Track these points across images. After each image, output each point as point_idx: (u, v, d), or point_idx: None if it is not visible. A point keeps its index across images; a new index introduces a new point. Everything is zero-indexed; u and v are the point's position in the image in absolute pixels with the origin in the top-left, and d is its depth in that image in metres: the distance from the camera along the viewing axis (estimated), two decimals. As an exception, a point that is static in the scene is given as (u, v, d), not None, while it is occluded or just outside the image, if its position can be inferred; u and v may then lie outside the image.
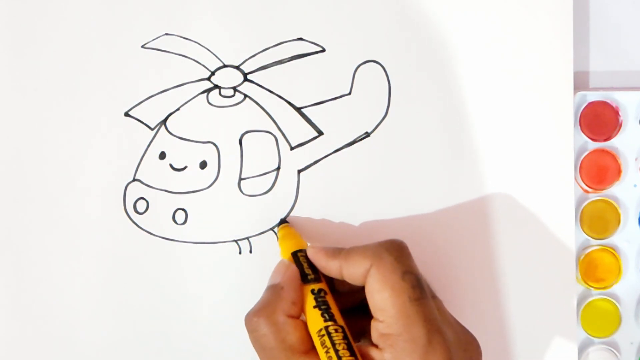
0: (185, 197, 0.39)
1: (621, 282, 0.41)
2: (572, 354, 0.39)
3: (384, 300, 0.30)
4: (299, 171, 0.39)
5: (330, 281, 0.35)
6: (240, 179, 0.39)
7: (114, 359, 0.39)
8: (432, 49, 0.39)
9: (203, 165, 0.39)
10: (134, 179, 0.39)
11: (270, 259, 0.39)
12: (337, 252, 0.33)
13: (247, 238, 0.39)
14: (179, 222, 0.39)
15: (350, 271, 0.32)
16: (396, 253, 0.32)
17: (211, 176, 0.39)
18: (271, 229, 0.39)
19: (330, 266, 0.33)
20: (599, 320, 0.40)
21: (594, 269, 0.40)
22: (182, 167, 0.39)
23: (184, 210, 0.39)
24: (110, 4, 0.39)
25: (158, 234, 0.39)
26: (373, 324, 0.31)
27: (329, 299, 0.33)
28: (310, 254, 0.34)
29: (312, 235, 0.39)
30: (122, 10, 0.39)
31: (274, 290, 0.33)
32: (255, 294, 0.38)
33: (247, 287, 0.39)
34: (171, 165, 0.39)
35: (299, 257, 0.35)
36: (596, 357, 0.40)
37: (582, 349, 0.41)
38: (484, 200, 0.39)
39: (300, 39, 0.39)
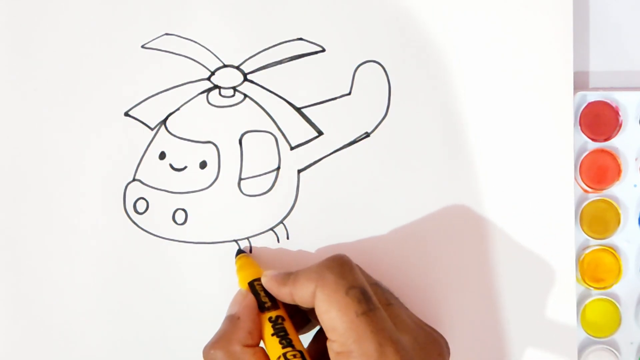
0: (185, 197, 0.39)
1: (621, 282, 0.41)
2: (572, 354, 0.39)
3: (332, 319, 0.30)
4: (299, 171, 0.39)
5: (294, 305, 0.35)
6: (240, 179, 0.39)
7: (114, 359, 0.39)
8: (432, 49, 0.39)
9: (203, 165, 0.39)
10: (134, 179, 0.39)
11: (270, 259, 0.39)
12: (286, 277, 0.33)
13: (247, 238, 0.39)
14: (178, 222, 0.39)
15: (299, 295, 0.32)
16: (338, 269, 0.31)
17: (211, 176, 0.39)
18: (271, 229, 0.39)
19: (282, 293, 0.33)
20: (599, 320, 0.40)
21: (594, 269, 0.40)
22: (182, 167, 0.39)
23: (183, 210, 0.39)
24: (110, 4, 0.39)
25: (158, 234, 0.39)
26: (328, 344, 0.31)
27: (287, 325, 0.33)
28: (264, 282, 0.34)
29: (310, 241, 0.39)
30: (122, 10, 0.39)
31: (230, 321, 0.33)
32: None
33: (247, 287, 0.39)
34: (171, 165, 0.39)
35: (255, 287, 0.35)
36: (596, 357, 0.40)
37: (582, 349, 0.41)
38: (484, 199, 0.39)
39: (300, 39, 0.39)
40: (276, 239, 0.39)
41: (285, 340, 0.32)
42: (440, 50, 0.39)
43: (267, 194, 0.39)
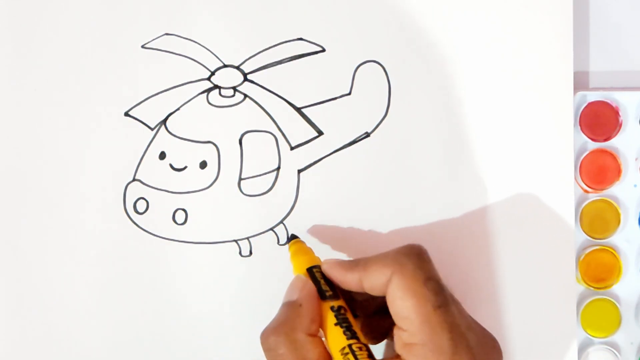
0: (185, 197, 0.39)
1: (621, 282, 0.41)
2: (572, 354, 0.39)
3: (407, 309, 0.30)
4: (299, 171, 0.39)
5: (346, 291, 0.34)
6: (240, 179, 0.39)
7: (114, 359, 0.39)
8: (432, 49, 0.39)
9: (203, 165, 0.39)
10: (134, 179, 0.39)
11: (270, 259, 0.39)
12: (354, 263, 0.32)
13: (247, 238, 0.39)
14: (179, 222, 0.39)
15: (371, 282, 0.31)
16: (416, 259, 0.31)
17: (211, 176, 0.39)
18: (271, 229, 0.39)
19: (348, 279, 0.32)
20: (599, 320, 0.40)
21: (594, 269, 0.40)
22: (182, 167, 0.39)
23: (184, 210, 0.39)
24: (110, 4, 0.39)
25: (158, 234, 0.39)
26: (396, 332, 0.30)
27: (349, 316, 0.32)
28: (326, 269, 0.33)
29: (311, 241, 0.39)
30: (122, 10, 0.39)
31: (291, 307, 0.32)
32: (255, 294, 0.39)
33: (247, 287, 0.39)
34: (171, 165, 0.39)
35: (314, 274, 0.34)
36: (596, 357, 0.40)
37: (582, 349, 0.41)
38: (484, 200, 0.39)
39: (300, 39, 0.39)
40: (276, 239, 0.39)
41: (350, 332, 0.31)
42: (441, 50, 0.39)
43: (267, 194, 0.39)
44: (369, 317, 0.34)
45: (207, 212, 0.39)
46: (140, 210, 0.39)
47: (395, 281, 0.30)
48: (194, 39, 0.39)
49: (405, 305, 0.30)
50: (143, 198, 0.39)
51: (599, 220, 0.40)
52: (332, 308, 0.32)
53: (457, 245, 0.39)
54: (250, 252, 0.39)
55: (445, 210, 0.39)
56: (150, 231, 0.39)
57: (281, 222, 0.39)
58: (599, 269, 0.40)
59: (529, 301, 0.39)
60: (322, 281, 0.33)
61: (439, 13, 0.39)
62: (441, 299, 0.30)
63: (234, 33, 0.39)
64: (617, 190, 0.41)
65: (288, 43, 0.39)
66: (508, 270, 0.39)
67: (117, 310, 0.39)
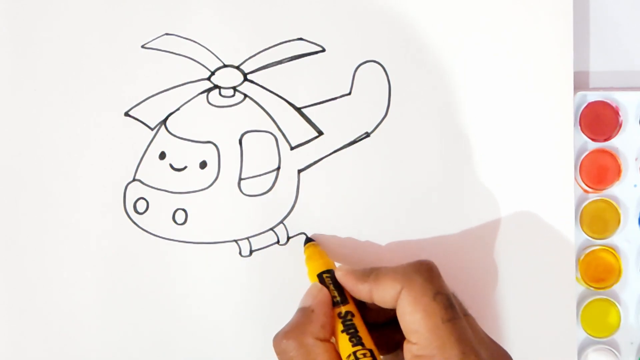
0: (185, 197, 0.39)
1: (621, 282, 0.41)
2: (572, 354, 0.39)
3: (416, 322, 0.30)
4: (299, 171, 0.39)
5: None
6: (240, 179, 0.39)
7: (114, 358, 0.39)
8: (432, 49, 0.39)
9: (203, 165, 0.39)
10: (134, 179, 0.39)
11: (270, 259, 0.39)
12: (367, 274, 0.33)
13: (247, 238, 0.39)
14: (179, 222, 0.39)
15: (381, 295, 0.32)
16: (426, 274, 0.31)
17: (211, 176, 0.39)
18: (271, 229, 0.39)
19: (360, 290, 0.33)
20: (599, 320, 0.40)
21: (594, 269, 0.40)
22: (182, 167, 0.39)
23: (184, 210, 0.39)
24: (110, 4, 0.39)
25: (158, 234, 0.39)
26: (406, 346, 0.31)
27: (357, 321, 0.32)
28: (339, 276, 0.34)
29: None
30: (122, 10, 0.39)
31: (304, 313, 0.33)
32: (255, 294, 0.39)
33: (247, 287, 0.39)
34: (171, 165, 0.39)
35: (324, 279, 0.34)
36: (596, 357, 0.40)
37: (582, 349, 0.41)
38: (484, 200, 0.39)
39: (300, 39, 0.39)
40: (276, 239, 0.39)
41: (355, 338, 0.31)
42: (441, 50, 0.39)
43: (267, 194, 0.39)
44: (381, 327, 0.35)
45: (207, 212, 0.39)
46: (140, 210, 0.39)
47: (405, 296, 0.31)
48: (194, 39, 0.39)
49: (414, 319, 0.30)
50: (143, 198, 0.39)
51: (599, 220, 0.40)
52: (339, 314, 0.33)
53: (457, 245, 0.39)
54: (250, 252, 0.39)
55: (445, 210, 0.39)
56: (150, 231, 0.39)
57: (281, 222, 0.39)
58: (599, 269, 0.40)
59: (529, 301, 0.39)
60: (330, 287, 0.34)
61: (439, 13, 0.39)
62: (450, 313, 0.30)
63: (234, 33, 0.39)
64: (617, 190, 0.41)
65: (288, 43, 0.39)
66: (508, 270, 0.39)
67: (117, 310, 0.39)
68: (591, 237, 0.41)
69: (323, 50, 0.39)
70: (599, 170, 0.40)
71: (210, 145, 0.39)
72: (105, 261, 0.39)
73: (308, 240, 0.38)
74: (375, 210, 0.39)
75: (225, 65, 0.39)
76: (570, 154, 0.39)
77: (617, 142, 0.41)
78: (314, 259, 0.36)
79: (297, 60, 0.39)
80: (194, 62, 0.39)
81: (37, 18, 0.39)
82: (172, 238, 0.39)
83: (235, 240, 0.39)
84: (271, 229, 0.39)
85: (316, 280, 0.35)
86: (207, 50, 0.39)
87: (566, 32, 0.39)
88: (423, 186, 0.39)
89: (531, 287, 0.39)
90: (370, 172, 0.39)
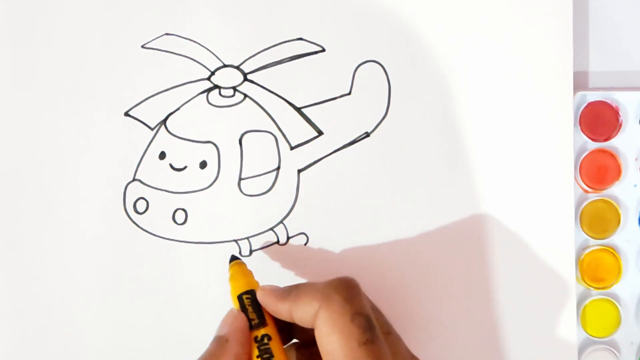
0: (185, 197, 0.39)
1: (621, 282, 0.41)
2: (572, 354, 0.39)
3: (332, 344, 0.29)
4: (299, 171, 0.39)
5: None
6: (240, 179, 0.39)
7: (113, 358, 0.39)
8: (432, 49, 0.39)
9: (203, 165, 0.39)
10: (134, 179, 0.39)
11: (270, 259, 0.39)
12: (287, 293, 0.32)
13: (247, 238, 0.39)
14: (178, 222, 0.39)
15: (300, 314, 0.31)
16: (345, 293, 0.30)
17: (211, 176, 0.39)
18: (271, 229, 0.39)
19: (280, 310, 0.32)
20: (599, 320, 0.40)
21: (594, 269, 0.40)
22: (182, 167, 0.39)
23: (183, 210, 0.39)
24: (110, 4, 0.39)
25: (158, 234, 0.39)
26: None
27: (274, 345, 0.32)
28: (260, 296, 0.33)
29: (311, 241, 0.39)
30: (122, 10, 0.39)
31: (218, 343, 0.32)
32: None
33: (247, 287, 0.39)
34: (171, 165, 0.39)
35: (244, 301, 0.33)
36: (596, 357, 0.40)
37: (582, 349, 0.41)
38: (484, 199, 0.39)
39: (300, 39, 0.39)
40: (276, 239, 0.39)
41: None
42: (440, 50, 0.39)
43: (267, 194, 0.39)
44: (307, 346, 0.34)
45: (207, 212, 0.39)
46: (140, 210, 0.39)
47: (322, 316, 0.30)
48: (194, 39, 0.39)
49: (330, 341, 0.29)
50: (143, 198, 0.39)
51: (599, 220, 0.40)
52: (255, 339, 0.32)
53: (457, 245, 0.39)
54: (250, 252, 0.39)
55: (445, 210, 0.39)
56: (150, 231, 0.39)
57: (281, 222, 0.39)
58: (599, 269, 0.40)
59: (529, 301, 0.39)
60: (249, 309, 0.33)
61: (439, 13, 0.39)
62: (368, 335, 0.29)
63: (234, 33, 0.39)
64: (617, 190, 0.41)
65: (288, 43, 0.39)
66: (508, 270, 0.39)
67: (117, 310, 0.39)
68: (591, 237, 0.41)
69: (323, 50, 0.39)
70: (599, 170, 0.40)
71: (210, 145, 0.39)
72: (105, 261, 0.39)
73: (233, 258, 0.36)
74: (375, 210, 0.39)
75: (225, 65, 0.39)
76: (570, 154, 0.39)
77: (617, 142, 0.41)
78: (235, 279, 0.35)
79: (297, 60, 0.39)
80: (194, 62, 0.39)
81: (37, 18, 0.39)
82: (172, 238, 0.39)
83: (235, 240, 0.39)
84: (271, 229, 0.39)
85: (237, 301, 0.34)
86: (207, 50, 0.39)
87: (566, 32, 0.39)
88: (423, 186, 0.39)
89: (531, 287, 0.39)
90: (370, 172, 0.39)
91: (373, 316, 0.30)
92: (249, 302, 0.33)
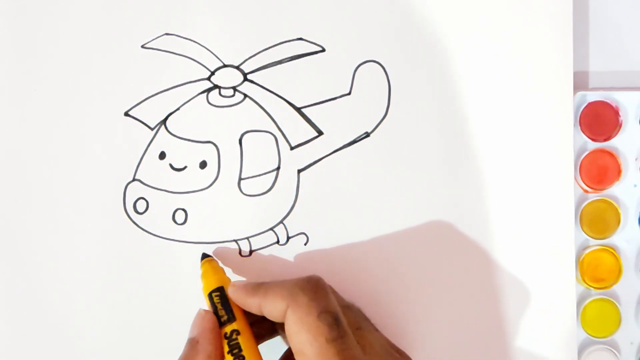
0: (185, 197, 0.39)
1: (621, 282, 0.41)
2: (572, 354, 0.39)
3: (301, 343, 0.30)
4: (299, 171, 0.39)
5: None
6: (240, 179, 0.39)
7: (113, 358, 0.39)
8: (432, 49, 0.39)
9: (203, 165, 0.39)
10: (134, 179, 0.39)
11: (270, 259, 0.39)
12: (257, 288, 0.33)
13: (247, 238, 0.39)
14: (178, 222, 0.39)
15: (268, 309, 0.32)
16: (311, 292, 0.31)
17: (211, 176, 0.39)
18: (271, 229, 0.39)
19: (249, 304, 0.33)
20: (599, 320, 0.40)
21: (594, 269, 0.40)
22: (182, 167, 0.39)
23: (183, 210, 0.39)
24: (110, 4, 0.39)
25: (158, 234, 0.39)
26: None
27: (243, 339, 0.33)
28: (231, 292, 0.34)
29: (310, 241, 0.39)
30: (122, 10, 0.39)
31: (190, 345, 0.33)
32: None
33: (247, 287, 0.39)
34: (171, 165, 0.39)
35: (213, 298, 0.34)
36: (596, 357, 0.40)
37: (582, 349, 0.41)
38: (484, 199, 0.39)
39: (300, 39, 0.39)
40: (276, 239, 0.39)
41: (239, 358, 0.32)
42: (440, 50, 0.39)
43: (267, 194, 0.39)
44: (282, 357, 0.35)
45: (207, 212, 0.39)
46: (140, 210, 0.39)
47: (290, 315, 0.31)
48: (194, 39, 0.39)
49: (299, 340, 0.30)
50: (143, 198, 0.39)
51: (599, 220, 0.40)
52: (225, 335, 0.33)
53: (457, 245, 0.39)
54: (250, 252, 0.39)
55: (445, 210, 0.39)
56: (150, 231, 0.39)
57: (281, 222, 0.39)
58: (599, 269, 0.40)
59: (529, 301, 0.39)
60: (218, 306, 0.34)
61: (439, 13, 0.39)
62: (336, 332, 0.30)
63: (234, 33, 0.39)
64: (617, 190, 0.41)
65: (288, 43, 0.39)
66: (508, 270, 0.39)
67: (116, 310, 0.39)
68: (591, 237, 0.41)
69: (323, 50, 0.39)
70: (599, 170, 0.40)
71: (210, 145, 0.39)
72: (105, 261, 0.39)
73: (205, 256, 0.38)
74: (375, 210, 0.39)
75: (225, 65, 0.39)
76: (570, 154, 0.39)
77: (617, 142, 0.41)
78: (206, 277, 0.36)
79: (297, 60, 0.39)
80: (194, 62, 0.39)
81: (37, 18, 0.39)
82: (172, 238, 0.39)
83: (235, 240, 0.39)
84: (271, 229, 0.39)
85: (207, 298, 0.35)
86: (207, 50, 0.39)
87: (566, 32, 0.39)
88: (423, 186, 0.39)
89: (531, 287, 0.39)
90: (370, 172, 0.39)
91: (340, 313, 0.31)
92: (218, 300, 0.34)
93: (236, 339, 0.33)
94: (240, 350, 0.32)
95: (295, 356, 0.30)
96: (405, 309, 0.39)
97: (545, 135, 0.39)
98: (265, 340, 0.36)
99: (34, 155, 0.39)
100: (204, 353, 0.32)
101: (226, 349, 0.33)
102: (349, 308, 0.33)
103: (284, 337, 0.37)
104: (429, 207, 0.39)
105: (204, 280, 0.36)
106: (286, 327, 0.31)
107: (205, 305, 0.35)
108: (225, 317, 0.34)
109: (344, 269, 0.39)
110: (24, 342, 0.39)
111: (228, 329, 0.33)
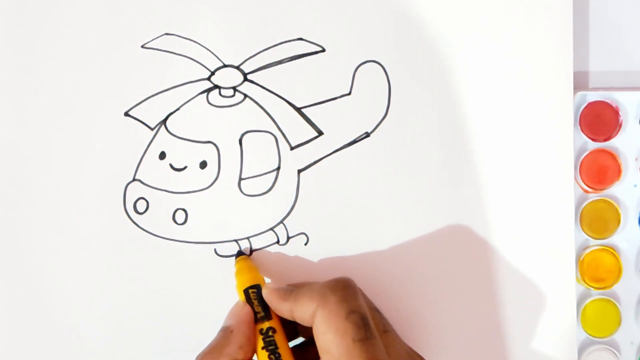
0: (185, 197, 0.39)
1: (621, 282, 0.41)
2: (572, 354, 0.39)
3: (328, 342, 0.30)
4: (299, 171, 0.39)
5: None
6: (240, 179, 0.39)
7: (113, 358, 0.39)
8: (432, 49, 0.39)
9: (203, 165, 0.39)
10: (134, 179, 0.39)
11: (270, 259, 0.39)
12: (289, 293, 0.33)
13: (247, 238, 0.39)
14: (179, 222, 0.39)
15: (299, 314, 0.32)
16: (341, 292, 0.31)
17: (211, 176, 0.39)
18: (271, 229, 0.39)
19: (282, 308, 0.33)
20: (599, 320, 0.40)
21: (594, 269, 0.40)
22: (182, 167, 0.39)
23: (184, 210, 0.39)
24: (110, 4, 0.39)
25: (158, 234, 0.39)
26: None
27: (278, 337, 0.33)
28: (265, 294, 0.34)
29: (310, 241, 0.39)
30: (122, 10, 0.39)
31: (224, 334, 0.33)
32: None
33: (247, 287, 0.39)
34: (171, 165, 0.39)
35: (250, 294, 0.35)
36: (596, 357, 0.40)
37: (582, 349, 0.41)
38: (484, 200, 0.39)
39: (300, 39, 0.39)
40: (276, 239, 0.39)
41: (274, 355, 0.32)
42: (440, 50, 0.39)
43: (267, 194, 0.39)
44: (310, 343, 0.34)
45: (207, 212, 0.39)
46: (140, 210, 0.39)
47: (319, 315, 0.31)
48: (194, 39, 0.39)
49: (326, 339, 0.30)
50: (143, 198, 0.39)
51: (599, 220, 0.40)
52: (260, 331, 0.33)
53: (457, 245, 0.39)
54: (251, 252, 0.39)
55: (445, 210, 0.39)
56: (150, 231, 0.39)
57: (281, 222, 0.39)
58: (599, 269, 0.40)
59: (529, 301, 0.39)
60: (255, 302, 0.34)
61: (439, 13, 0.39)
62: (363, 332, 0.30)
63: (234, 33, 0.39)
64: (617, 190, 0.41)
65: (288, 43, 0.39)
66: (508, 270, 0.39)
67: (116, 310, 0.39)
68: (591, 237, 0.41)
69: (323, 50, 0.39)
70: (599, 170, 0.40)
71: (210, 145, 0.39)
72: (105, 261, 0.39)
73: (240, 253, 0.38)
74: (375, 210, 0.39)
75: (225, 65, 0.39)
76: (570, 154, 0.39)
77: (617, 142, 0.41)
78: (242, 274, 0.36)
79: (297, 60, 0.39)
80: (194, 62, 0.39)
81: (37, 18, 0.39)
82: (172, 238, 0.39)
83: (236, 240, 0.39)
84: (271, 229, 0.39)
85: (243, 294, 0.35)
86: (207, 50, 0.39)
87: (566, 32, 0.39)
88: (423, 186, 0.39)
89: (531, 287, 0.39)
90: (370, 172, 0.39)
91: (369, 314, 0.31)
92: (255, 296, 0.34)
93: (272, 336, 0.33)
94: (277, 347, 0.32)
95: (321, 355, 0.30)
96: (405, 309, 0.39)
97: (545, 135, 0.39)
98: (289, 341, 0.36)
99: (34, 155, 0.39)
100: (237, 343, 0.32)
101: (261, 344, 0.33)
102: (376, 311, 0.34)
103: (304, 336, 0.36)
104: (429, 207, 0.39)
105: (239, 277, 0.36)
106: (314, 327, 0.31)
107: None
108: (262, 314, 0.34)
109: (344, 269, 0.39)
110: (25, 342, 0.39)
111: (264, 325, 0.33)
